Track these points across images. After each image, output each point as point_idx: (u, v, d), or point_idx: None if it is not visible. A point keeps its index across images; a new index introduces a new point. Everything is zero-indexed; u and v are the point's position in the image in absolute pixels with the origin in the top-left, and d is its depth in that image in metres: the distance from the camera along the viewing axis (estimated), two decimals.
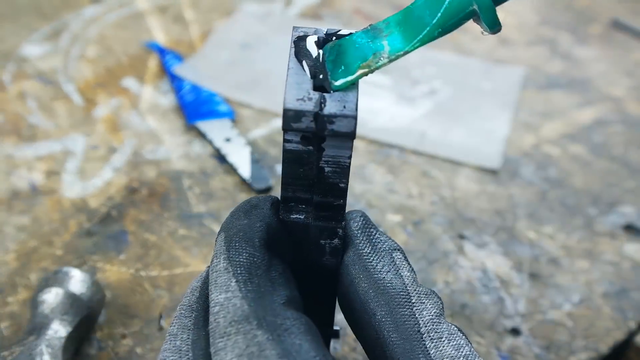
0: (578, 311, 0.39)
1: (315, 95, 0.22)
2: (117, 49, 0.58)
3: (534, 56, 0.60)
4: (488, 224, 0.44)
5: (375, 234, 0.25)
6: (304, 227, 0.25)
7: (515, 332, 0.38)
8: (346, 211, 0.25)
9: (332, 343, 0.35)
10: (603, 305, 0.40)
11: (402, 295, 0.24)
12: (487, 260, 0.42)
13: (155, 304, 0.38)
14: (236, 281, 0.22)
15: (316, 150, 0.23)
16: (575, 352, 0.37)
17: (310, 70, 0.23)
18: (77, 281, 0.35)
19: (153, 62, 0.57)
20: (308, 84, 0.22)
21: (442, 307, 0.24)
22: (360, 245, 0.25)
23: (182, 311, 0.24)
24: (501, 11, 0.72)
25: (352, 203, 0.45)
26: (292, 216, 0.25)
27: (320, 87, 0.22)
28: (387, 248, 0.25)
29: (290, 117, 0.22)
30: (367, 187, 0.47)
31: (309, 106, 0.22)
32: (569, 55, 0.60)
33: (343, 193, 0.24)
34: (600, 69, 0.59)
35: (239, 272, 0.22)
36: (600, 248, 0.43)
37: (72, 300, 0.34)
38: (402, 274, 0.24)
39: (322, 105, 0.22)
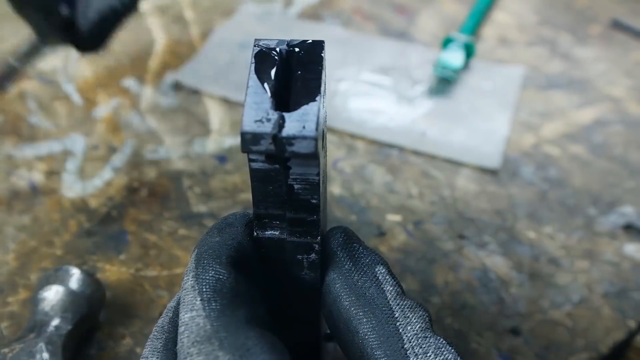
0: (578, 311, 0.39)
1: (274, 116, 0.21)
2: (117, 49, 0.58)
3: (533, 56, 0.60)
4: (488, 224, 0.44)
5: (358, 248, 0.25)
6: (279, 242, 0.24)
7: (515, 332, 0.38)
8: (332, 225, 0.25)
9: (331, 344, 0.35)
10: (603, 305, 0.40)
11: (385, 311, 0.23)
12: (487, 260, 0.42)
13: (155, 304, 0.38)
14: (201, 300, 0.22)
15: (282, 168, 0.22)
16: (575, 352, 0.37)
17: (270, 88, 0.22)
18: (77, 279, 0.35)
19: (153, 62, 0.57)
20: (268, 103, 0.21)
21: (429, 320, 0.24)
22: (341, 262, 0.25)
23: (155, 332, 0.24)
24: (501, 11, 0.71)
25: (352, 203, 0.45)
26: (266, 233, 0.24)
27: (281, 105, 0.21)
28: (369, 263, 0.25)
29: (248, 140, 0.21)
30: (367, 187, 0.47)
31: (267, 128, 0.21)
32: (569, 55, 0.60)
33: (315, 209, 0.23)
34: (600, 69, 0.59)
35: (204, 290, 0.22)
36: (600, 248, 0.43)
37: (72, 298, 0.34)
38: (384, 288, 0.24)
39: (281, 126, 0.21)
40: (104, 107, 0.52)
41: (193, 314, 0.22)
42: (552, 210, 0.46)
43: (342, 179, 0.47)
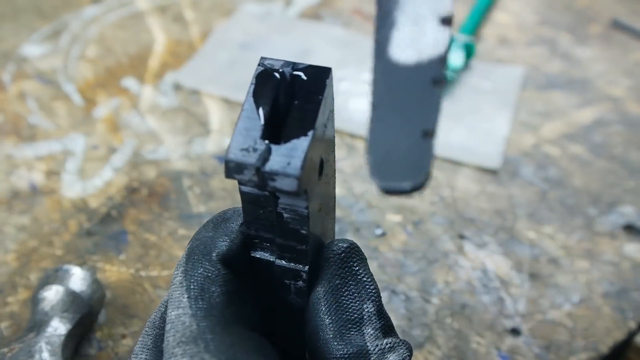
0: (578, 311, 0.39)
1: (262, 146, 0.20)
2: (117, 49, 0.58)
3: (533, 56, 0.60)
4: (488, 224, 0.44)
5: (353, 276, 0.24)
6: (268, 264, 0.24)
7: (515, 332, 0.38)
8: (328, 241, 0.24)
9: None
10: (603, 305, 0.40)
11: (361, 355, 0.22)
12: (487, 260, 0.42)
13: (155, 304, 0.38)
14: (188, 297, 0.21)
15: (272, 196, 0.21)
16: (575, 352, 0.37)
17: (265, 114, 0.21)
18: (77, 279, 0.35)
19: (153, 62, 0.57)
20: (258, 131, 0.20)
21: (410, 355, 0.23)
22: (331, 288, 0.23)
23: (147, 329, 0.24)
24: (501, 11, 0.71)
25: (352, 203, 0.45)
26: (256, 253, 0.24)
27: (274, 133, 0.20)
28: (358, 298, 0.23)
29: (232, 169, 0.20)
30: (367, 187, 0.47)
31: (252, 159, 0.20)
32: (569, 55, 0.60)
33: (305, 239, 0.22)
34: (600, 69, 0.59)
35: (192, 287, 0.21)
36: (600, 248, 0.43)
37: (72, 297, 0.34)
38: (364, 331, 0.23)
39: (266, 159, 0.20)
40: (104, 107, 0.52)
41: (179, 311, 0.21)
42: (552, 210, 0.46)
43: (342, 179, 0.47)
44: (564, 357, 0.37)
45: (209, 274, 0.22)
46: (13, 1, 0.63)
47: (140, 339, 0.24)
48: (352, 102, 0.53)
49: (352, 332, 0.23)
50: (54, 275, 0.35)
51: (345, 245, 0.24)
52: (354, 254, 0.24)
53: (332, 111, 0.23)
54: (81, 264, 0.40)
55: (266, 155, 0.20)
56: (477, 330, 0.38)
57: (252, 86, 0.21)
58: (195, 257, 0.22)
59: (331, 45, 0.59)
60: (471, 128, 0.52)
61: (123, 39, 0.59)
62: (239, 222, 0.24)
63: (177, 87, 0.54)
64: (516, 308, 0.39)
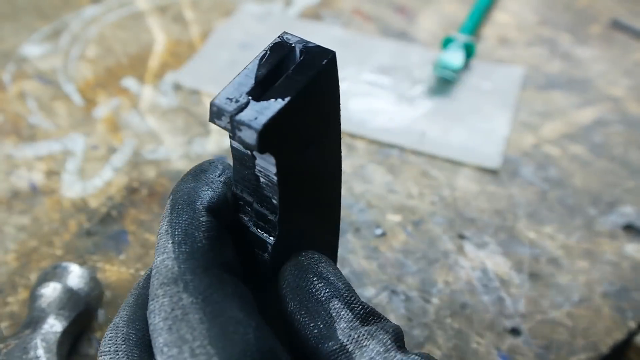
0: (578, 311, 0.39)
1: (244, 100, 0.21)
2: (117, 49, 0.58)
3: (533, 56, 0.60)
4: (488, 224, 0.44)
5: (313, 281, 0.23)
6: (245, 227, 0.24)
7: (515, 332, 0.38)
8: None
9: None
10: (603, 305, 0.40)
11: (339, 351, 0.22)
12: (487, 260, 0.42)
13: None
14: (172, 242, 0.22)
15: (251, 156, 0.22)
16: (575, 352, 0.37)
17: (260, 76, 0.22)
18: (75, 276, 0.35)
19: (153, 62, 0.57)
20: (247, 87, 0.21)
21: (395, 339, 0.22)
22: (294, 294, 0.23)
23: (132, 290, 0.25)
24: (501, 11, 0.71)
25: (352, 203, 0.45)
26: (239, 214, 0.24)
27: (259, 93, 0.21)
28: (323, 299, 0.23)
29: (214, 113, 0.21)
30: (367, 187, 0.47)
31: (231, 107, 0.21)
32: (569, 55, 0.60)
33: (275, 209, 0.23)
34: (600, 69, 0.59)
35: (176, 234, 0.22)
36: (600, 248, 0.43)
37: (69, 295, 0.34)
38: (336, 327, 0.22)
39: (241, 110, 0.21)
40: (104, 107, 0.52)
41: (164, 256, 0.22)
42: (552, 210, 0.46)
43: (342, 178, 0.47)
44: (564, 357, 0.37)
45: (193, 221, 0.23)
46: (13, 1, 0.63)
47: (125, 301, 0.24)
48: (352, 102, 0.53)
49: (325, 334, 0.23)
50: (52, 273, 0.35)
51: (290, 269, 0.24)
52: (302, 270, 0.24)
53: (337, 100, 0.23)
54: (81, 264, 0.40)
55: (243, 107, 0.21)
56: (477, 330, 0.38)
57: (263, 52, 0.22)
58: (180, 207, 0.23)
59: (331, 45, 0.59)
60: (471, 128, 0.52)
61: (123, 39, 0.59)
62: (217, 173, 0.25)
63: (177, 87, 0.54)
64: (516, 308, 0.39)
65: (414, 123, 0.52)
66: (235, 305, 0.21)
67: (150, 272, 0.24)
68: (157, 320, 0.21)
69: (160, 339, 0.20)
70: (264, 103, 0.21)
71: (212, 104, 0.21)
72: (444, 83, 0.56)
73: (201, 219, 0.23)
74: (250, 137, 0.20)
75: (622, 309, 0.40)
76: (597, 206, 0.46)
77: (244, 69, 0.22)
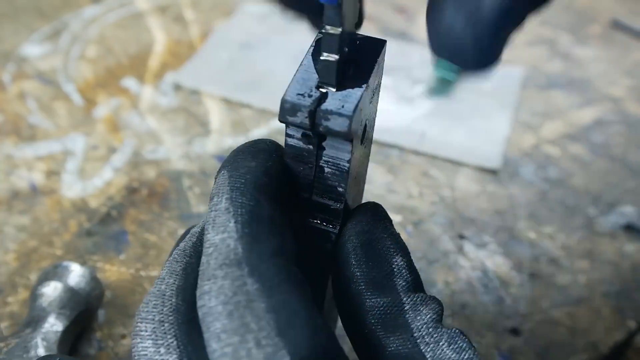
0: (578, 311, 0.39)
1: (317, 94, 0.21)
2: (117, 49, 0.58)
3: (534, 56, 0.60)
4: (488, 224, 0.44)
5: (380, 233, 0.24)
6: (301, 222, 0.24)
7: (515, 332, 0.38)
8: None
9: None
10: (603, 305, 0.40)
11: (394, 305, 0.22)
12: (487, 260, 0.42)
13: None
14: (235, 222, 0.20)
15: (316, 148, 0.23)
16: (575, 352, 0.37)
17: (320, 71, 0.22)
18: (76, 276, 0.35)
19: (153, 62, 0.57)
20: (314, 82, 0.22)
21: (441, 313, 0.23)
22: (357, 252, 0.23)
23: (176, 256, 0.23)
24: None
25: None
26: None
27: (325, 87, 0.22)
28: (386, 254, 0.23)
29: (287, 110, 0.21)
30: (367, 187, 0.46)
31: (307, 102, 0.21)
32: (569, 55, 0.60)
33: (341, 197, 0.24)
34: (600, 69, 0.59)
35: (239, 213, 0.21)
36: (600, 248, 0.43)
37: (70, 294, 0.34)
38: (395, 282, 0.23)
39: (320, 102, 0.21)
40: (104, 107, 0.52)
41: (225, 235, 0.20)
42: (552, 210, 0.46)
43: None
44: (564, 357, 0.37)
45: (259, 203, 0.21)
46: (13, 1, 0.63)
47: (168, 265, 0.23)
48: None
49: (384, 284, 0.23)
50: (53, 272, 0.35)
51: (375, 204, 0.24)
52: (383, 212, 0.24)
53: (379, 84, 0.24)
54: (81, 264, 0.40)
55: (321, 100, 0.21)
56: (477, 330, 0.38)
57: (312, 47, 0.23)
58: (242, 186, 0.22)
59: None
60: (471, 128, 0.52)
61: (123, 39, 0.59)
62: (277, 152, 0.23)
63: (177, 87, 0.54)
64: (516, 308, 0.39)
65: (414, 123, 0.52)
66: (301, 300, 0.20)
67: (196, 240, 0.23)
68: (214, 303, 0.19)
69: (217, 324, 0.19)
70: (342, 93, 0.21)
71: (284, 101, 0.21)
72: (444, 83, 0.56)
73: (267, 203, 0.21)
74: (341, 124, 0.21)
75: (622, 309, 0.40)
76: (597, 206, 0.46)
77: (300, 65, 0.22)
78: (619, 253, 0.43)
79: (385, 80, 0.56)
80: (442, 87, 0.58)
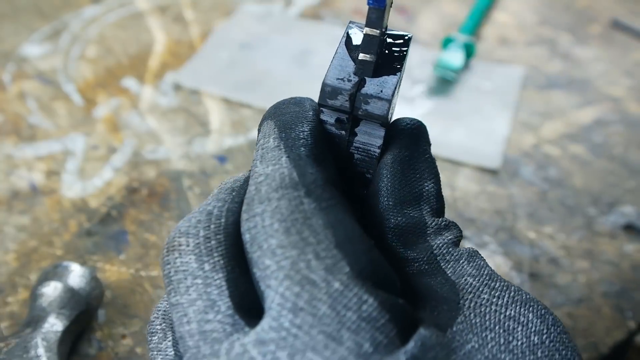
0: (578, 311, 0.39)
1: (355, 78, 0.22)
2: (117, 49, 0.58)
3: (533, 56, 0.60)
4: (488, 224, 0.44)
5: (417, 155, 0.24)
6: None
7: None
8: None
9: None
10: (603, 305, 0.40)
11: (418, 226, 0.23)
12: (487, 260, 0.42)
13: (155, 304, 0.38)
14: (287, 157, 0.21)
15: (348, 135, 0.23)
16: None
17: (355, 58, 0.23)
18: (76, 276, 0.35)
19: (153, 62, 0.57)
20: (351, 68, 0.23)
21: (461, 238, 0.24)
22: (395, 164, 0.24)
23: (221, 190, 0.23)
24: (501, 11, 0.71)
25: None
26: None
27: (362, 74, 0.23)
28: (418, 178, 0.24)
29: (327, 93, 0.22)
30: None
31: (347, 86, 0.22)
32: (569, 55, 0.60)
33: (367, 184, 0.24)
34: (600, 69, 0.59)
35: (291, 148, 0.21)
36: (600, 248, 0.43)
37: (70, 294, 0.34)
38: (422, 206, 0.23)
39: (360, 86, 0.22)
40: (104, 107, 0.52)
41: (277, 167, 0.20)
42: (552, 210, 0.46)
43: None
44: None
45: (308, 141, 0.22)
46: (13, 1, 0.63)
47: (213, 197, 0.22)
48: None
49: (412, 204, 0.23)
50: (53, 272, 0.35)
51: (414, 122, 0.25)
52: (425, 132, 0.25)
53: (402, 77, 0.25)
54: (81, 264, 0.40)
55: (361, 85, 0.22)
56: None
57: (344, 38, 0.24)
58: (290, 126, 0.22)
59: (331, 45, 0.59)
60: (471, 128, 0.52)
61: (123, 39, 0.59)
62: (310, 103, 0.24)
63: (177, 87, 0.54)
64: None
65: None
66: (354, 221, 0.20)
67: (242, 182, 0.23)
68: (268, 222, 0.19)
69: (272, 241, 0.19)
70: (379, 79, 0.23)
71: (325, 85, 0.22)
72: (444, 83, 0.56)
73: (314, 141, 0.22)
74: (381, 108, 0.22)
75: (622, 309, 0.40)
76: (597, 206, 0.46)
77: (335, 53, 0.23)
78: (619, 253, 0.43)
79: None
80: (442, 87, 0.58)
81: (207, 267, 0.20)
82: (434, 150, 0.49)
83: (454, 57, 0.56)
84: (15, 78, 0.54)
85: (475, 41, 0.59)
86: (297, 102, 0.24)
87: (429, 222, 0.23)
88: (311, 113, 0.23)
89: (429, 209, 0.24)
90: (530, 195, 0.47)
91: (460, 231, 0.24)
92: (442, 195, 0.25)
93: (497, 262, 0.42)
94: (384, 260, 0.20)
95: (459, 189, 0.47)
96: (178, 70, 0.56)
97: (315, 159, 0.21)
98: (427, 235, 0.23)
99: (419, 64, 0.58)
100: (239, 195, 0.22)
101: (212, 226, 0.21)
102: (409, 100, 0.54)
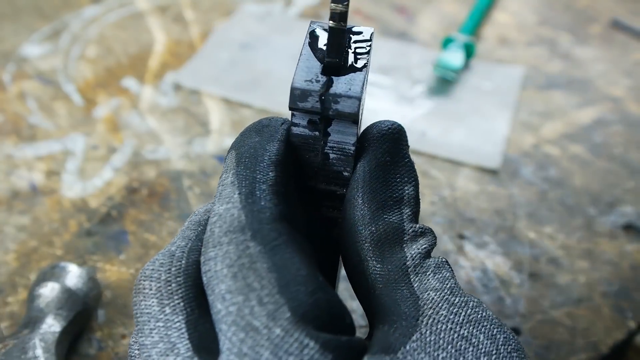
0: (578, 311, 0.39)
1: (323, 78, 0.22)
2: (117, 49, 0.58)
3: (533, 56, 0.60)
4: (488, 224, 0.44)
5: (397, 160, 0.24)
6: (307, 212, 0.25)
7: (515, 332, 0.38)
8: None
9: None
10: (603, 305, 0.40)
11: (395, 233, 0.23)
12: (487, 260, 0.42)
13: None
14: (239, 194, 0.21)
15: (322, 135, 0.23)
16: (575, 352, 0.37)
17: (320, 58, 0.23)
18: (73, 276, 0.35)
19: (153, 62, 0.57)
20: (317, 69, 0.23)
21: (434, 245, 0.24)
22: (375, 171, 0.24)
23: (189, 224, 0.24)
24: (501, 11, 0.71)
25: None
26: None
27: (329, 73, 0.23)
28: (399, 181, 0.24)
29: (297, 96, 0.22)
30: None
31: (316, 87, 0.22)
32: (569, 55, 0.60)
33: (346, 182, 0.24)
34: (600, 69, 0.59)
35: (243, 185, 0.22)
36: (600, 248, 0.43)
37: (67, 295, 0.34)
38: (402, 211, 0.24)
39: (329, 86, 0.22)
40: (104, 107, 0.52)
41: (229, 206, 0.21)
42: (552, 210, 0.46)
43: None
44: (564, 357, 0.37)
45: (262, 175, 0.22)
46: (13, 1, 0.63)
47: (181, 233, 0.23)
48: None
49: (392, 209, 0.23)
50: (50, 272, 0.35)
51: (395, 125, 0.24)
52: (404, 136, 0.25)
53: (368, 71, 0.25)
54: (81, 264, 0.40)
55: (329, 84, 0.22)
56: None
57: (307, 39, 0.24)
58: (247, 160, 0.22)
59: None
60: (471, 128, 0.52)
61: (123, 39, 0.59)
62: (279, 123, 0.24)
63: (177, 87, 0.54)
64: (516, 308, 0.39)
65: (414, 123, 0.52)
66: (302, 259, 0.20)
67: (209, 212, 0.23)
68: (219, 267, 0.20)
69: (222, 286, 0.20)
70: (347, 77, 0.23)
71: (294, 89, 0.22)
72: (444, 83, 0.56)
73: (270, 173, 0.22)
74: (351, 106, 0.22)
75: (622, 309, 0.40)
76: (597, 206, 0.46)
77: (300, 55, 0.23)
78: (619, 253, 0.43)
79: (385, 80, 0.56)
80: (442, 87, 0.58)
81: (167, 310, 0.21)
82: (434, 150, 0.49)
83: (454, 57, 0.56)
84: (15, 78, 0.54)
85: (475, 41, 0.59)
86: (261, 128, 0.24)
87: (407, 228, 0.23)
88: (278, 135, 0.23)
89: (409, 212, 0.24)
90: (530, 195, 0.47)
91: (435, 238, 0.24)
92: (419, 200, 0.25)
93: (497, 262, 0.42)
94: (333, 296, 0.20)
95: (459, 189, 0.47)
96: (178, 70, 0.56)
97: (273, 191, 0.22)
98: (403, 243, 0.23)
99: (419, 64, 0.58)
100: (204, 231, 0.23)
101: (173, 269, 0.21)
102: (409, 100, 0.54)
